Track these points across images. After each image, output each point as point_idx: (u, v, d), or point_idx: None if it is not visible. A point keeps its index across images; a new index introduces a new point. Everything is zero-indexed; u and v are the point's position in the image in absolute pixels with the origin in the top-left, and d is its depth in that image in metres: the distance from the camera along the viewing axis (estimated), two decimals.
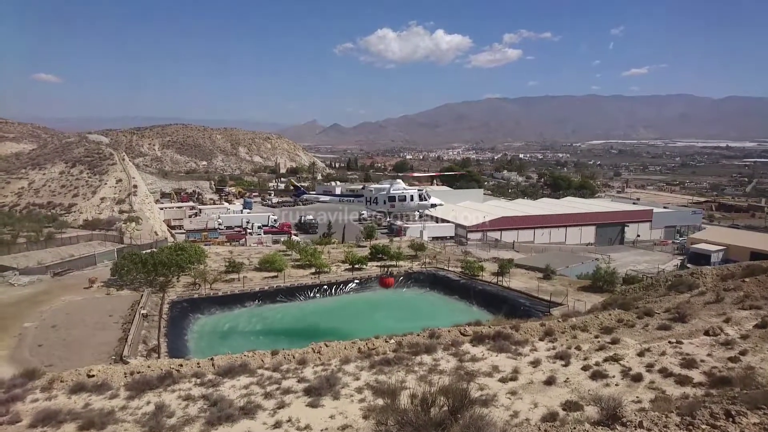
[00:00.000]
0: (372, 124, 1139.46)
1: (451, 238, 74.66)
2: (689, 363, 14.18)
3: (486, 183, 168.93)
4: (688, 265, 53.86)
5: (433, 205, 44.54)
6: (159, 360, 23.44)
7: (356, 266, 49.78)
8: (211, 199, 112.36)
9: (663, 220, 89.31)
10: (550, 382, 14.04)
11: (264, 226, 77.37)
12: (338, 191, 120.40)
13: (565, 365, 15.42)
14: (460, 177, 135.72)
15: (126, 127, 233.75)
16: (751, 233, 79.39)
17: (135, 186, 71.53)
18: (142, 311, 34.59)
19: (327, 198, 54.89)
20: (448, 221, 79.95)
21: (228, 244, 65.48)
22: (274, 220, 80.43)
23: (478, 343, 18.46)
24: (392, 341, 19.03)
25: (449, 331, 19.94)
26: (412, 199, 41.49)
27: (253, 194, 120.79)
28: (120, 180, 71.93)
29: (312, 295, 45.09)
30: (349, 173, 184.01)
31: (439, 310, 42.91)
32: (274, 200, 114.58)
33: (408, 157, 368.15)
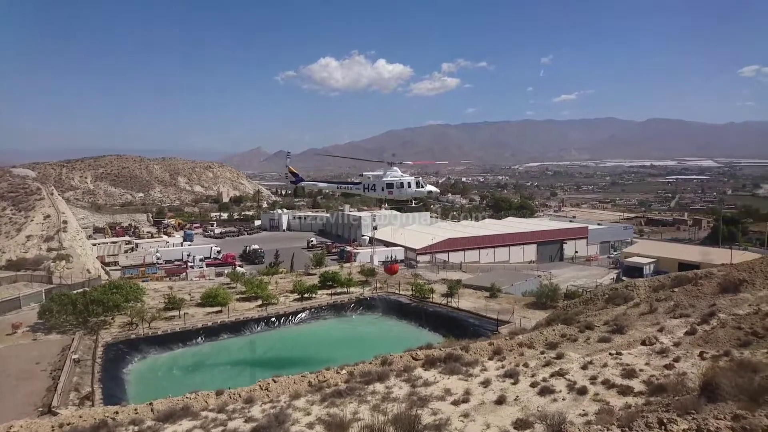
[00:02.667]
0: (318, 150, 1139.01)
1: (401, 261, 75.10)
2: (629, 373, 14.74)
3: (432, 206, 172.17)
4: (623, 278, 56.87)
5: (430, 192, 45.33)
6: (92, 408, 21.67)
7: (306, 296, 48.78)
8: (148, 232, 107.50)
9: (598, 236, 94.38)
10: (500, 401, 14.15)
11: (206, 258, 74.65)
12: (285, 219, 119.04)
13: (514, 383, 15.62)
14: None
15: (55, 159, 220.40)
16: (678, 245, 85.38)
17: (65, 222, 67.30)
18: (74, 356, 32.14)
19: (325, 185, 56.20)
20: (397, 245, 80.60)
21: (167, 279, 62.60)
22: (217, 252, 77.77)
23: (430, 366, 18.40)
24: (344, 371, 18.62)
25: (401, 357, 19.79)
26: (409, 186, 41.97)
27: (194, 225, 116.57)
28: (48, 216, 67.49)
29: (259, 328, 43.59)
30: (296, 200, 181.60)
31: (391, 335, 42.73)
32: (217, 231, 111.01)
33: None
